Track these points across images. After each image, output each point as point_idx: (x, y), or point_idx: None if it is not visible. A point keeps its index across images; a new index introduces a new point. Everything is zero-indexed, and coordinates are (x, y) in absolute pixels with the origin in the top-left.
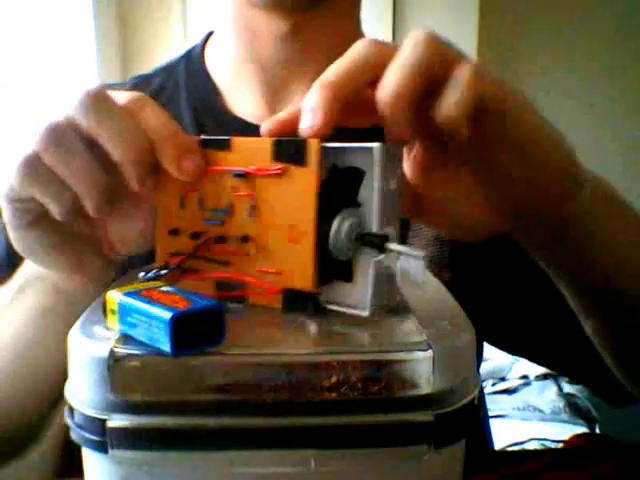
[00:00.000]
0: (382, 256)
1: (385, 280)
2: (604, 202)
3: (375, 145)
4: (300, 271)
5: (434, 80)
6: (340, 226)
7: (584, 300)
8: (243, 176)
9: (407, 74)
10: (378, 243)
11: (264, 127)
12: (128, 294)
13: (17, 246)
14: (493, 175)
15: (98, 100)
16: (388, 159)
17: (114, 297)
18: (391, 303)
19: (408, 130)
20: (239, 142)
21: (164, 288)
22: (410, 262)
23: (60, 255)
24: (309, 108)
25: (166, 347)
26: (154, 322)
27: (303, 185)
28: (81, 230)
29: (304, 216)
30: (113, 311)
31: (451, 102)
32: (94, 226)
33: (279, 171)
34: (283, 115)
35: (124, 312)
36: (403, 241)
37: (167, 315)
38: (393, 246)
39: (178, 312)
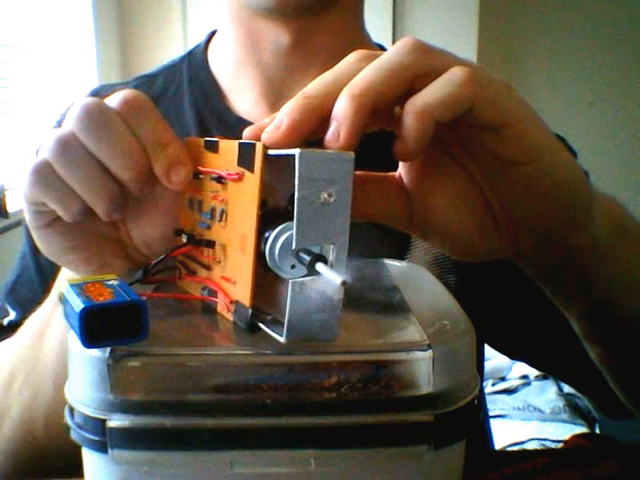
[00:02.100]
0: (308, 278)
1: (320, 307)
2: (614, 228)
3: (297, 151)
4: (243, 284)
5: (421, 85)
6: (275, 239)
7: (589, 326)
8: (219, 180)
9: (377, 72)
10: (308, 262)
11: (246, 132)
12: (73, 285)
13: (39, 246)
14: (492, 194)
15: (93, 117)
16: (323, 167)
17: (63, 286)
18: (328, 337)
19: (352, 132)
20: (223, 144)
21: (110, 282)
22: (329, 284)
23: (81, 255)
24: (279, 115)
25: (80, 338)
26: (73, 313)
27: (251, 192)
28: (102, 232)
29: (250, 226)
30: (62, 299)
31: (429, 96)
32: (116, 228)
33: (236, 177)
34: (266, 121)
35: (65, 301)
36: (406, 243)
37: (79, 307)
38: (319, 267)
39: (89, 305)
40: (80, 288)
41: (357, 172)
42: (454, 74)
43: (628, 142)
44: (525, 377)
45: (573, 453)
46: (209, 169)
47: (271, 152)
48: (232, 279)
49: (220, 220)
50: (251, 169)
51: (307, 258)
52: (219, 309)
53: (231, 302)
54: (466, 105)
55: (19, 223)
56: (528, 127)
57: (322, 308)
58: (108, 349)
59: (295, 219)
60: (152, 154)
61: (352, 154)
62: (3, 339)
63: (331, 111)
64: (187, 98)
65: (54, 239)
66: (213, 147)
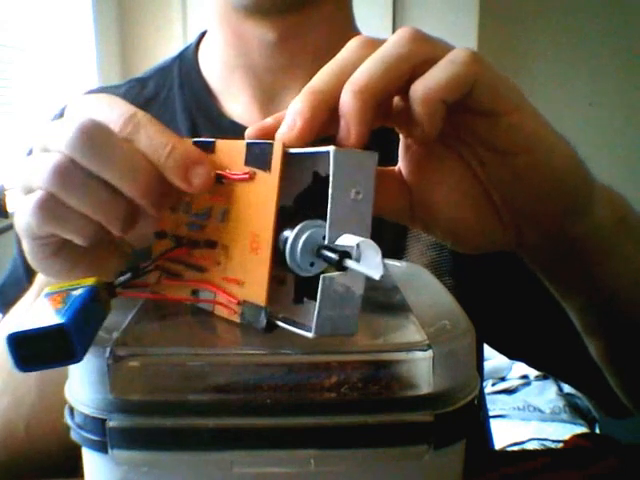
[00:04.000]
0: (336, 273)
1: (344, 302)
2: (616, 218)
3: (331, 148)
4: (256, 284)
5: (422, 72)
6: (297, 238)
7: (591, 320)
8: (220, 180)
9: (379, 66)
10: (335, 259)
11: (248, 132)
12: (47, 294)
13: (41, 272)
14: (491, 185)
15: (93, 139)
16: (352, 165)
17: (42, 293)
18: (350, 331)
19: (361, 129)
20: (221, 145)
21: (76, 291)
22: (356, 278)
23: (84, 270)
24: (290, 113)
25: (13, 363)
26: None
27: (267, 192)
28: (102, 239)
29: (265, 226)
30: None
31: (433, 78)
32: (109, 231)
33: (246, 176)
34: (269, 120)
35: None
36: (402, 245)
37: (8, 333)
38: (350, 263)
39: (14, 333)
40: (49, 297)
41: None
42: (456, 55)
43: (628, 142)
44: (525, 377)
45: (573, 453)
46: None
47: (294, 150)
48: (240, 279)
49: (222, 220)
50: (266, 168)
51: (333, 255)
52: (217, 311)
53: (238, 303)
54: (470, 83)
55: None
56: (524, 116)
57: (347, 303)
58: (108, 349)
59: (329, 216)
60: (161, 164)
61: (376, 153)
62: None
63: (338, 103)
64: (179, 100)
65: (59, 265)
66: (209, 148)
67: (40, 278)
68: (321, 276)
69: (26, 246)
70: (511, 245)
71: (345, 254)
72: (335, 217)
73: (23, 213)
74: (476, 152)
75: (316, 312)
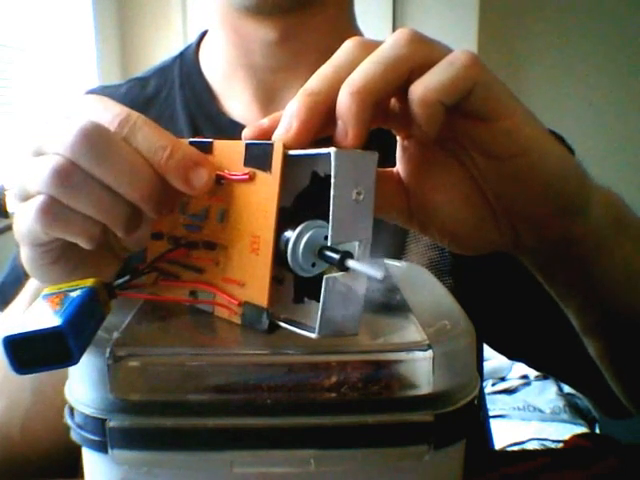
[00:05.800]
0: (339, 273)
1: (347, 303)
2: (613, 219)
3: (332, 150)
4: (257, 285)
5: (419, 75)
6: (298, 239)
7: (589, 320)
8: (219, 181)
9: (376, 67)
10: (337, 259)
11: (245, 132)
12: (45, 295)
13: (38, 279)
14: (487, 186)
15: (94, 141)
16: (353, 166)
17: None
18: (353, 331)
19: (359, 130)
20: (219, 145)
21: (73, 293)
22: (358, 279)
23: (81, 276)
24: (287, 115)
25: (10, 366)
26: None
27: (267, 192)
28: (101, 244)
29: (265, 226)
30: None
31: (432, 79)
32: (105, 233)
33: (246, 177)
34: (265, 121)
35: None
36: (402, 245)
37: (4, 335)
38: (352, 264)
39: (11, 335)
40: (47, 298)
41: None
42: (455, 57)
43: (628, 142)
44: (525, 377)
45: (573, 453)
46: None
47: (294, 152)
48: (240, 280)
49: (222, 221)
50: (267, 169)
51: (335, 256)
52: (217, 312)
53: (239, 304)
54: (469, 85)
55: None
56: (519, 122)
57: (350, 303)
58: (108, 349)
59: (331, 217)
60: (162, 167)
61: (376, 153)
62: None
63: (335, 105)
64: (179, 101)
65: (58, 272)
66: (206, 148)
67: (32, 282)
68: (324, 277)
69: (26, 254)
70: (508, 246)
71: (347, 254)
72: (337, 218)
73: (25, 219)
74: (472, 155)
75: (320, 313)
